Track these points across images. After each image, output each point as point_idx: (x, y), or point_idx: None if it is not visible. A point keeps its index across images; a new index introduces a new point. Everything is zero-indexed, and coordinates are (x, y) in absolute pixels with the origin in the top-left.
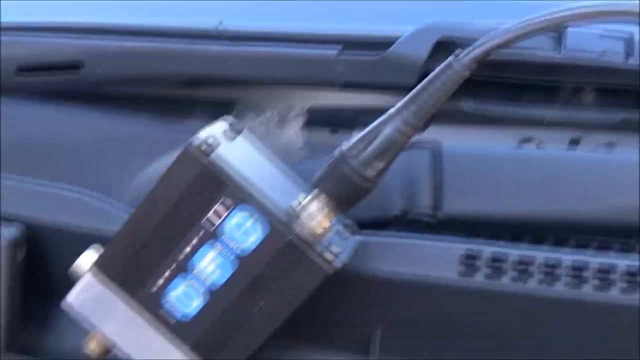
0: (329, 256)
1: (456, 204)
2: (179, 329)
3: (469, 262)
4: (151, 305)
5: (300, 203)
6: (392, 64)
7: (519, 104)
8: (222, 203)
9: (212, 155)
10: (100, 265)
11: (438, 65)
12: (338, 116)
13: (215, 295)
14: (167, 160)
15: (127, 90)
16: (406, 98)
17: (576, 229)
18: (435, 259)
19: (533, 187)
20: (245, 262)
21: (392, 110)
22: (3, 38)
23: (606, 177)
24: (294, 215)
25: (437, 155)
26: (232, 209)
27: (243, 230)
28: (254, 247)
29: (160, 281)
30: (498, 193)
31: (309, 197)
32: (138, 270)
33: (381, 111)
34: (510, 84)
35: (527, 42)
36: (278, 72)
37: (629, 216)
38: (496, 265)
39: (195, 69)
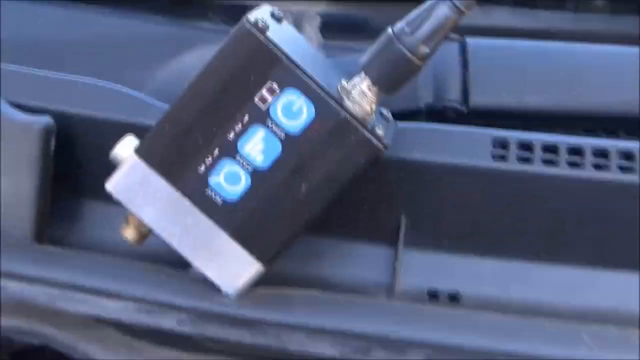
0: (380, 133)
1: (483, 96)
2: (224, 211)
3: (499, 147)
4: (197, 187)
5: (349, 82)
6: None
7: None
8: (274, 81)
9: (268, 33)
10: (143, 148)
11: None
12: (350, 21)
13: (262, 176)
14: (187, 57)
15: None
16: None
17: (596, 119)
18: (468, 145)
19: (555, 79)
20: (295, 142)
21: None
22: None
23: (628, 69)
24: (344, 95)
25: (464, 49)
26: (285, 88)
27: (294, 110)
28: (304, 126)
29: (207, 163)
30: (522, 85)
31: (358, 77)
32: (184, 152)
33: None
34: None
35: None
36: None
37: None
38: (524, 150)
39: None
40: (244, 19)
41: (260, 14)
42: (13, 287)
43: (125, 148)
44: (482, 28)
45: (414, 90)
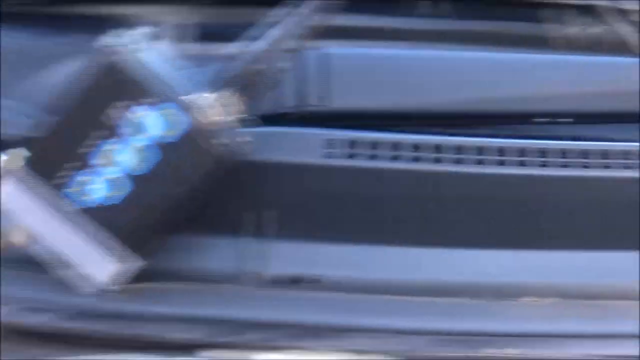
0: (224, 143)
1: (340, 100)
2: (91, 214)
3: (330, 146)
4: (61, 196)
5: (199, 96)
6: None
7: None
8: (129, 99)
9: (123, 54)
10: (20, 162)
11: None
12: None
13: (119, 183)
14: (58, 70)
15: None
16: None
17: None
18: (303, 145)
19: (405, 82)
20: (150, 151)
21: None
22: None
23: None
24: (196, 106)
25: (324, 57)
26: (139, 105)
27: (148, 124)
28: (158, 137)
29: (67, 174)
30: (375, 90)
31: (208, 91)
32: (53, 165)
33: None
34: None
35: None
36: None
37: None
38: (352, 147)
39: None
40: (103, 40)
41: (121, 34)
42: None
43: (6, 160)
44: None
45: (279, 95)
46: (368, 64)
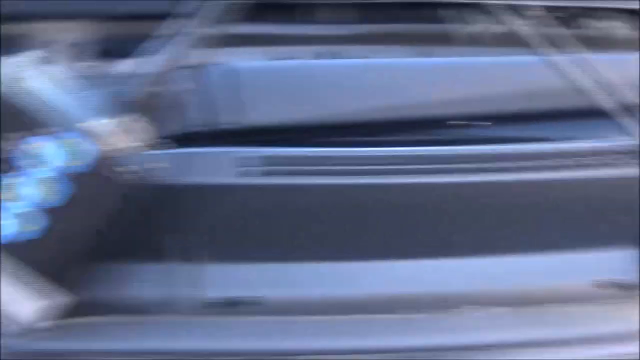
0: (131, 169)
1: (250, 116)
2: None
3: (244, 164)
4: None
5: (100, 123)
6: None
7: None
8: (21, 131)
9: (10, 83)
10: None
11: None
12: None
13: (31, 218)
14: None
15: None
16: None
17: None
18: (215, 165)
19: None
20: (56, 182)
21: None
22: None
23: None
24: (100, 133)
25: (230, 72)
26: (34, 136)
27: (48, 154)
28: (61, 168)
29: None
30: (287, 103)
31: (110, 118)
32: None
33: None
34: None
35: None
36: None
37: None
38: (267, 164)
39: None
40: None
41: (6, 60)
42: None
43: None
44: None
45: (187, 115)
46: (275, 77)
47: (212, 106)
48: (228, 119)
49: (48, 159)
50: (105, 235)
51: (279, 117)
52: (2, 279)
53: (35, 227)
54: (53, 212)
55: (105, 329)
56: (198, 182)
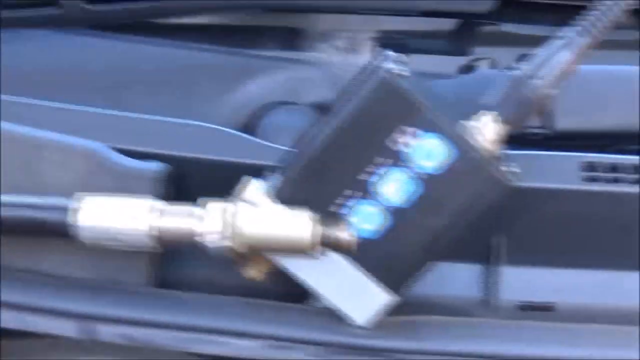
0: (508, 170)
1: (565, 121)
2: (359, 249)
3: (589, 169)
4: (333, 226)
5: (478, 122)
6: None
7: None
8: (413, 126)
9: (405, 82)
10: (278, 192)
11: None
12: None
13: (399, 215)
14: (251, 86)
15: (195, 20)
16: (578, 27)
17: None
18: (557, 169)
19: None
20: (432, 182)
21: (566, 36)
22: None
23: None
24: (475, 135)
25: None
26: (423, 132)
27: (431, 152)
28: (441, 166)
29: (345, 204)
30: (599, 109)
31: (486, 116)
32: (321, 195)
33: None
34: None
35: None
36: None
37: None
38: (613, 171)
39: None
40: (379, 68)
41: (388, 59)
42: (139, 333)
43: (253, 191)
44: None
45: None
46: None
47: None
48: (569, 123)
49: (407, 157)
50: (442, 237)
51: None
52: (343, 275)
53: (378, 226)
54: (399, 213)
55: (422, 329)
56: (538, 185)
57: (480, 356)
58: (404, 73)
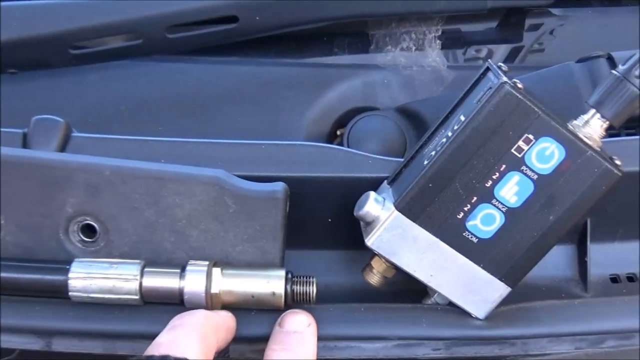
0: (617, 162)
1: None
2: (479, 248)
3: None
4: (455, 232)
5: (584, 120)
6: None
7: None
8: (530, 132)
9: (523, 92)
10: (402, 203)
11: None
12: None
13: (515, 214)
14: (330, 95)
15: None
16: None
17: None
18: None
19: None
20: (546, 181)
21: None
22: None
23: None
24: (584, 133)
25: None
26: (540, 137)
27: (546, 154)
28: (555, 166)
29: (465, 209)
30: None
31: (590, 115)
32: (443, 203)
33: None
34: None
35: None
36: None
37: None
38: None
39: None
40: (500, 81)
41: (500, 71)
42: None
43: (374, 205)
44: None
45: None
46: None
47: None
48: None
49: (524, 160)
50: (556, 232)
51: None
52: (462, 278)
53: (496, 227)
54: (515, 213)
55: (539, 313)
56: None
57: (590, 333)
58: (519, 85)
